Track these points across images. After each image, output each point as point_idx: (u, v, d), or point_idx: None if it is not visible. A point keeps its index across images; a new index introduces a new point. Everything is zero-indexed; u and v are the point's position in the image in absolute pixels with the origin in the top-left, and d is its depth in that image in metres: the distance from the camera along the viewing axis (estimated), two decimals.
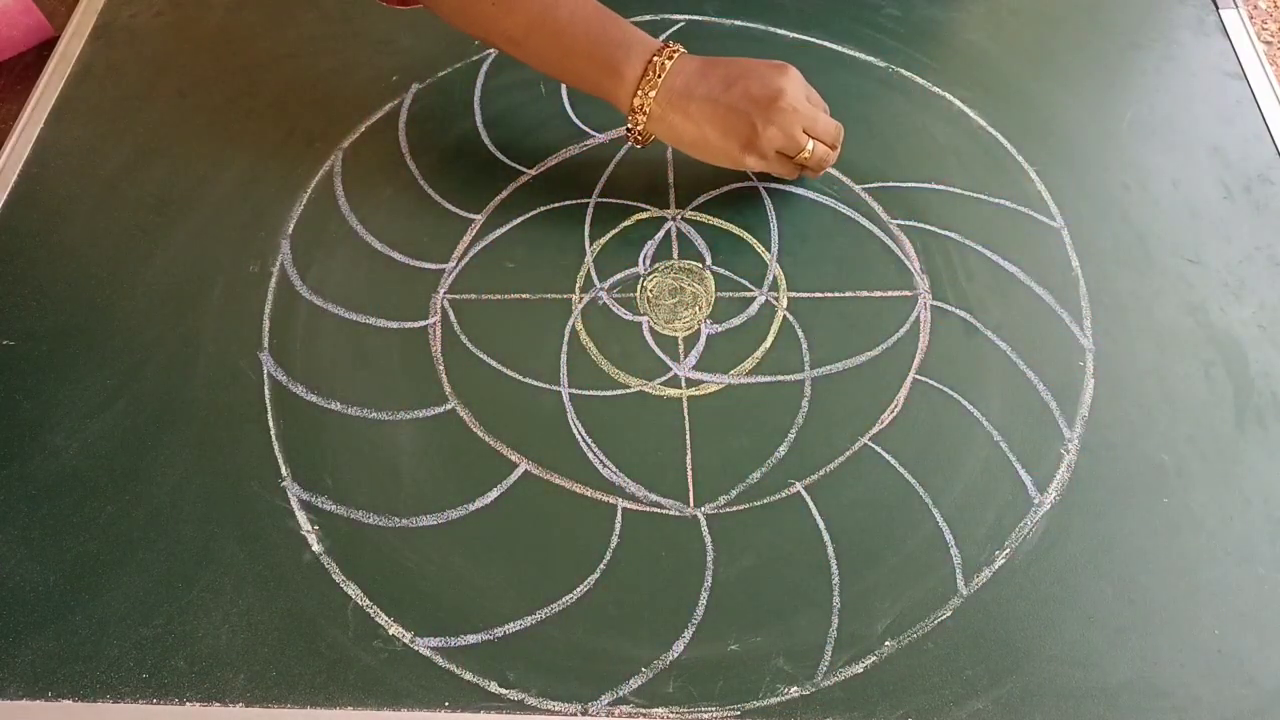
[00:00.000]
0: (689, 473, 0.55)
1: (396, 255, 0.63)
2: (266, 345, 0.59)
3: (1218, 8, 0.77)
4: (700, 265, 0.63)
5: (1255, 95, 0.72)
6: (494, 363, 0.59)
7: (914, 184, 0.67)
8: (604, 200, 0.66)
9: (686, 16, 0.76)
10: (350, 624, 0.50)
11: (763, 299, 0.62)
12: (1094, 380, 0.58)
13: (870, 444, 0.56)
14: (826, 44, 0.75)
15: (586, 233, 0.64)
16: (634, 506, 0.54)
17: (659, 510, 0.54)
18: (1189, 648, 0.50)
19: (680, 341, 0.60)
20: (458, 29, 0.62)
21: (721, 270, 0.63)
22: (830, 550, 0.52)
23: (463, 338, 0.60)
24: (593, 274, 0.63)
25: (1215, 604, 0.51)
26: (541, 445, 0.56)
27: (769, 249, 0.64)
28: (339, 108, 0.70)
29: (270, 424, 0.56)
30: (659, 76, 0.57)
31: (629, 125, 0.60)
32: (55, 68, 0.73)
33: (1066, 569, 0.52)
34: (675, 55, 0.58)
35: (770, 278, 0.62)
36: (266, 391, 0.57)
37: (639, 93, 0.58)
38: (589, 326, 0.60)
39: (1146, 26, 0.77)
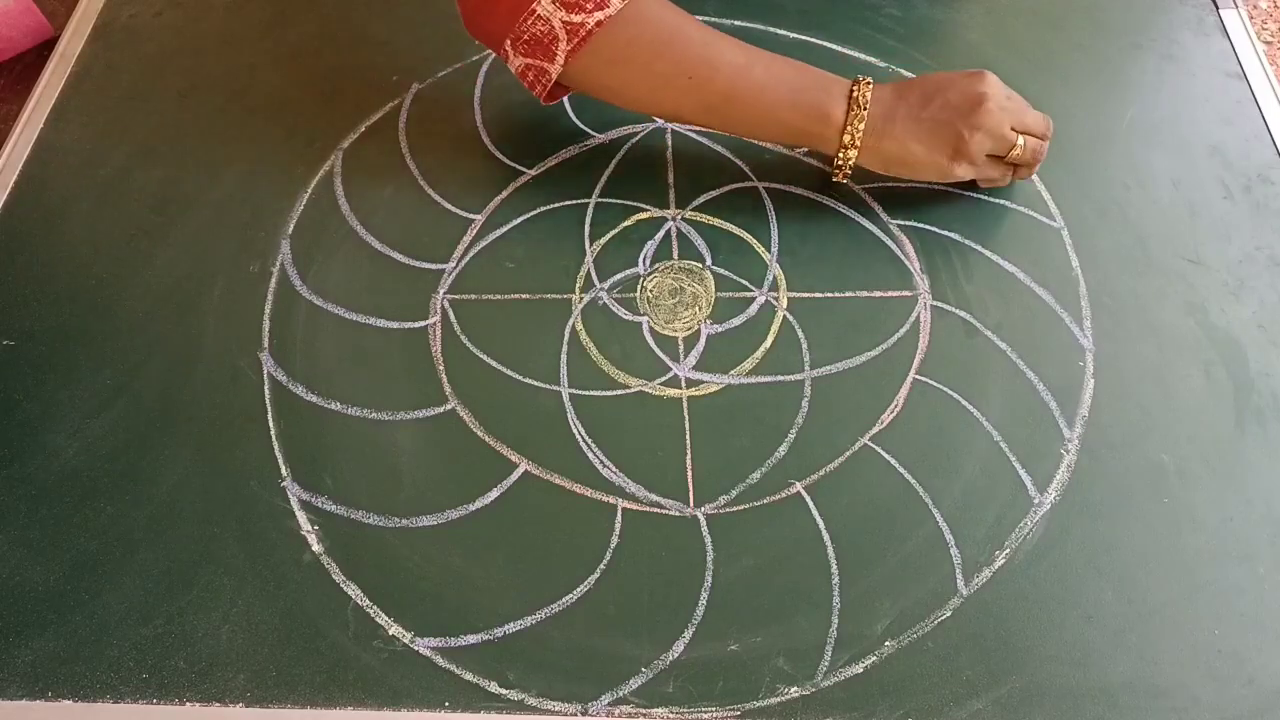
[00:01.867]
0: (689, 473, 0.55)
1: (396, 255, 0.63)
2: (266, 345, 0.59)
3: (1218, 8, 0.77)
4: (700, 265, 0.63)
5: (1255, 95, 0.72)
6: (494, 363, 0.59)
7: (914, 184, 0.67)
8: (604, 200, 0.66)
9: None
10: (350, 624, 0.50)
11: (763, 299, 0.62)
12: (1094, 380, 0.58)
13: (870, 444, 0.56)
14: (826, 44, 0.75)
15: (586, 233, 0.64)
16: (634, 506, 0.54)
17: (659, 510, 0.54)
18: (1189, 648, 0.50)
19: (680, 341, 0.60)
20: (637, 110, 0.63)
21: (721, 270, 0.63)
22: (830, 550, 0.52)
23: (463, 338, 0.60)
24: (593, 274, 0.63)
25: (1215, 604, 0.51)
26: (541, 445, 0.56)
27: (769, 249, 0.64)
28: (339, 108, 0.70)
29: (270, 424, 0.56)
30: (863, 109, 0.58)
31: (838, 163, 0.61)
32: (55, 68, 0.73)
33: (1066, 569, 0.52)
34: (870, 85, 0.59)
35: (770, 278, 0.62)
36: (266, 391, 0.57)
37: (848, 129, 0.59)
38: (589, 326, 0.60)
39: (1146, 26, 0.77)
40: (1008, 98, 0.60)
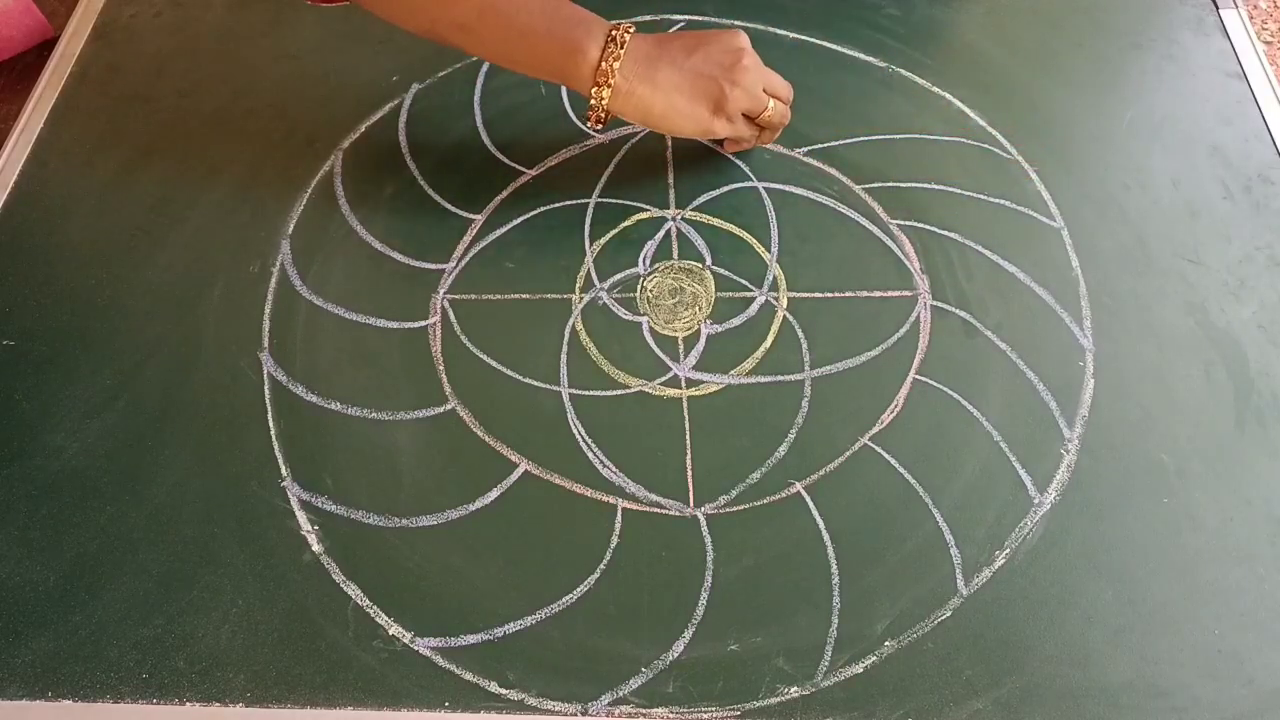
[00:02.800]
0: (689, 473, 0.55)
1: (396, 255, 0.63)
2: (266, 345, 0.59)
3: (1218, 8, 0.77)
4: (700, 265, 0.63)
5: (1255, 95, 0.72)
6: (494, 363, 0.59)
7: (914, 184, 0.67)
8: (604, 200, 0.66)
9: (686, 16, 0.76)
10: (350, 624, 0.50)
11: (763, 299, 0.62)
12: (1094, 380, 0.58)
13: (870, 444, 0.56)
14: (826, 44, 0.75)
15: (586, 233, 0.64)
16: (634, 506, 0.54)
17: (659, 510, 0.54)
18: (1189, 648, 0.50)
19: (680, 341, 0.60)
20: (395, 23, 0.60)
21: (721, 270, 0.63)
22: (830, 550, 0.52)
23: (463, 338, 0.60)
24: (593, 274, 0.63)
25: (1215, 604, 0.51)
26: (541, 445, 0.56)
27: (769, 249, 0.64)
28: (339, 108, 0.70)
29: (270, 424, 0.56)
30: (622, 49, 0.57)
31: (591, 102, 0.59)
32: (55, 68, 0.73)
33: (1066, 569, 0.52)
34: (632, 30, 0.58)
35: (770, 278, 0.62)
36: (266, 391, 0.57)
37: (602, 66, 0.57)
38: (589, 326, 0.60)
39: (1146, 26, 0.77)
40: (757, 60, 0.61)
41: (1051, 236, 0.65)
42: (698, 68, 0.58)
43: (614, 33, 0.57)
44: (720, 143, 0.67)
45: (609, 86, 0.58)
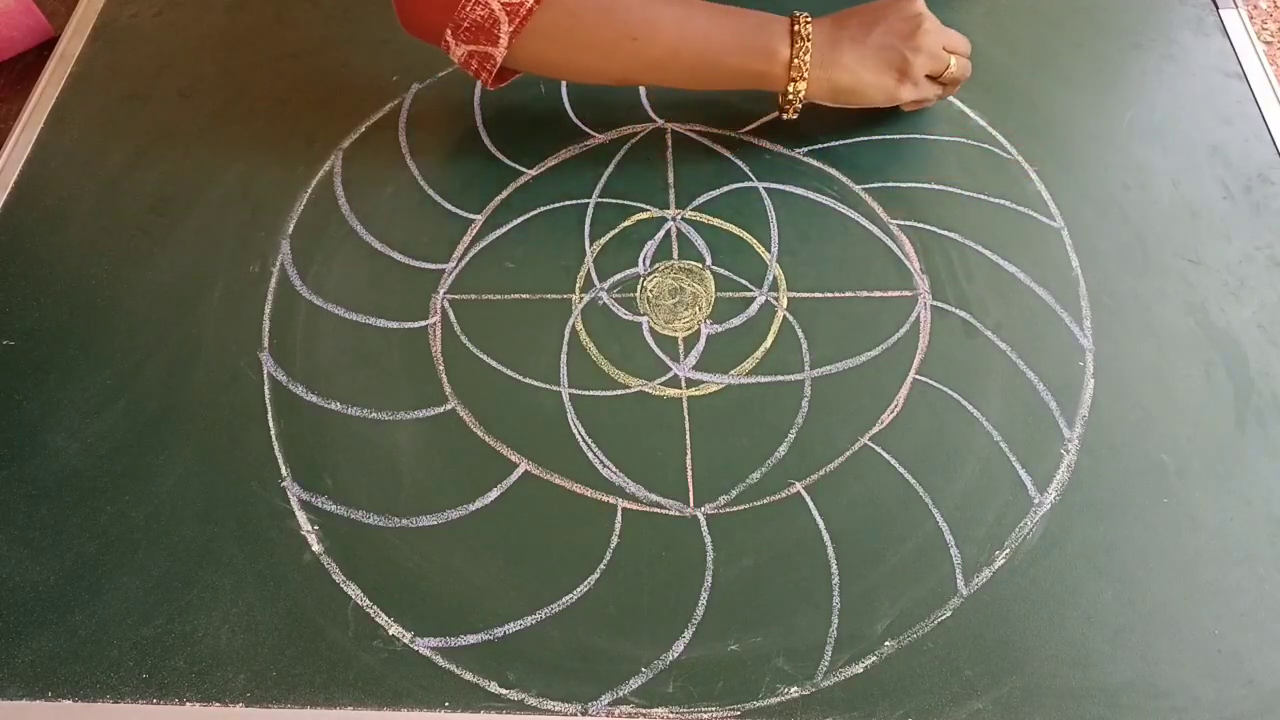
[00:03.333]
0: (689, 473, 0.55)
1: (396, 255, 0.63)
2: (266, 345, 0.59)
3: (1218, 8, 0.77)
4: (700, 265, 0.63)
5: (1255, 95, 0.72)
6: (494, 363, 0.59)
7: (914, 184, 0.67)
8: (604, 200, 0.66)
9: None
10: (350, 624, 0.50)
11: (763, 299, 0.62)
12: (1094, 380, 0.58)
13: (870, 444, 0.56)
14: None
15: (586, 233, 0.64)
16: (634, 506, 0.54)
17: (659, 510, 0.54)
18: (1189, 648, 0.50)
19: (680, 341, 0.60)
20: (586, 81, 0.64)
21: (721, 270, 0.63)
22: (830, 550, 0.52)
23: (463, 338, 0.60)
24: (593, 274, 0.63)
25: (1215, 604, 0.51)
26: (541, 445, 0.56)
27: (769, 249, 0.64)
28: (339, 108, 0.70)
29: (270, 424, 0.56)
30: (808, 40, 0.59)
31: (788, 97, 0.62)
32: (55, 68, 0.73)
33: (1066, 569, 0.52)
34: (809, 19, 0.60)
35: (770, 278, 0.62)
36: (266, 391, 0.57)
37: (794, 63, 0.60)
38: (589, 326, 0.60)
39: (1146, 26, 0.77)
40: (935, 21, 0.63)
41: (1051, 236, 0.65)
42: (879, 41, 0.60)
43: (795, 26, 0.60)
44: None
45: (803, 80, 0.60)
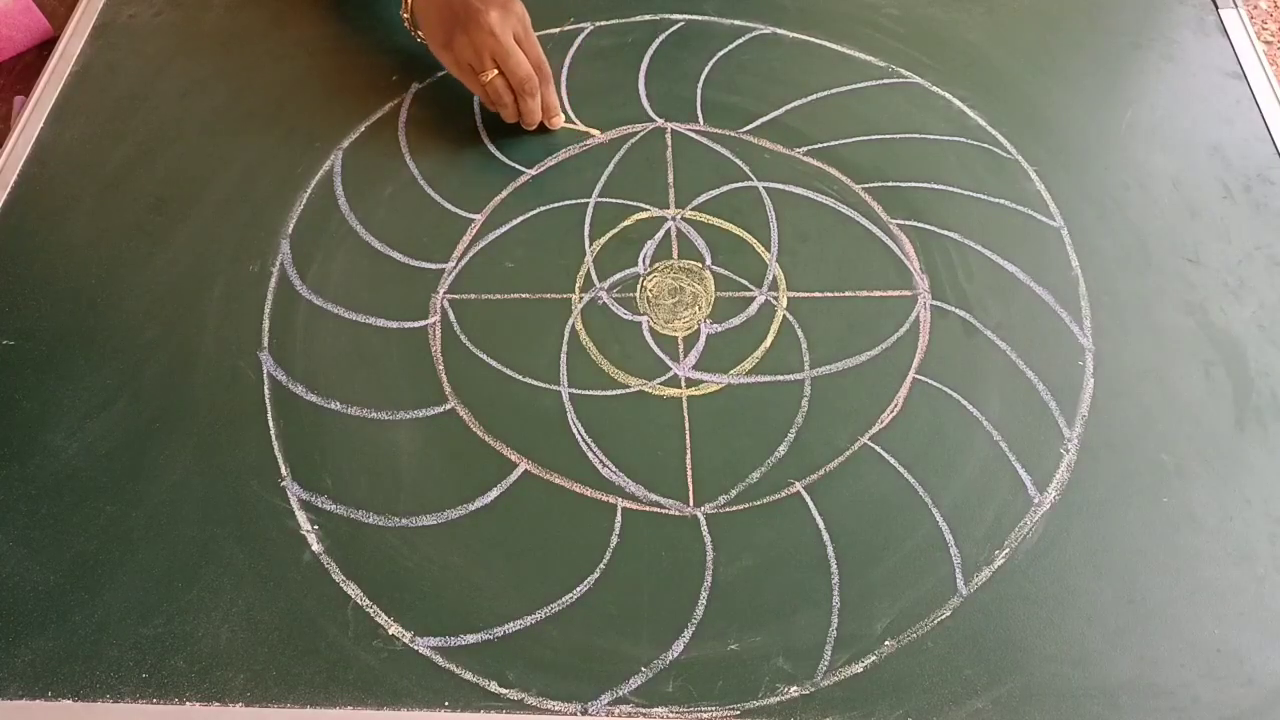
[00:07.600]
0: (689, 473, 0.55)
1: (396, 255, 0.63)
2: (266, 345, 0.59)
3: (1218, 8, 0.77)
4: (700, 265, 0.63)
5: (1255, 95, 0.72)
6: (494, 363, 0.59)
7: (914, 184, 0.67)
8: (604, 200, 0.66)
9: (686, 16, 0.76)
10: (350, 624, 0.50)
11: (762, 299, 0.62)
12: (1094, 380, 0.58)
13: (870, 444, 0.56)
14: (826, 44, 0.75)
15: (586, 233, 0.64)
16: (634, 506, 0.54)
17: (659, 510, 0.54)
18: (1189, 648, 0.50)
19: (680, 341, 0.60)
20: None
21: (721, 270, 0.63)
22: (830, 550, 0.52)
23: (462, 338, 0.60)
24: (592, 274, 0.63)
25: (1215, 604, 0.51)
26: (541, 445, 0.56)
27: (769, 249, 0.64)
28: (339, 108, 0.70)
29: (270, 424, 0.56)
30: None
31: None
32: (55, 68, 0.73)
33: (1066, 569, 0.52)
34: None
35: (770, 277, 0.62)
36: (266, 391, 0.57)
37: None
38: (589, 326, 0.60)
39: (1146, 26, 0.77)
40: (513, 35, 0.64)
41: (1051, 236, 0.64)
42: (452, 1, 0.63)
43: None
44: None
45: None
